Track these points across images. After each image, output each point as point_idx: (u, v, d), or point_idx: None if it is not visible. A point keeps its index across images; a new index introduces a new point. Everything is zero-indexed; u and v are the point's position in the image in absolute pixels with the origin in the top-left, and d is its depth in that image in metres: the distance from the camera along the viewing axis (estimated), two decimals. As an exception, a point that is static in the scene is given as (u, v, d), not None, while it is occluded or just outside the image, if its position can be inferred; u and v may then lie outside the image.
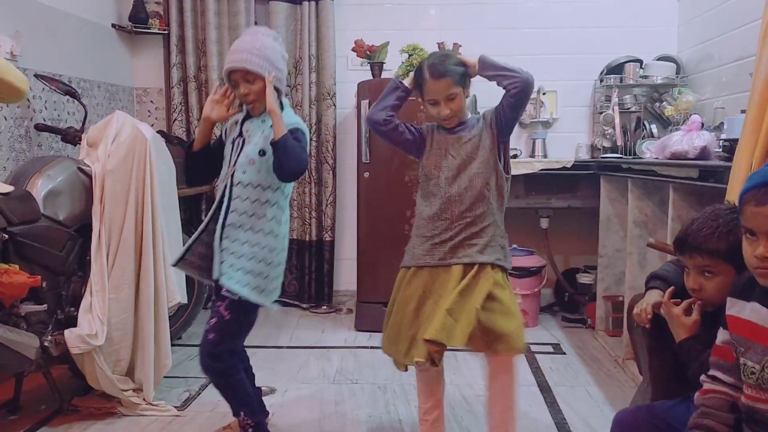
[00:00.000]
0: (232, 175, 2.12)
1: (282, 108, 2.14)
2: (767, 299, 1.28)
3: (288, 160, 2.03)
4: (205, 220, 2.18)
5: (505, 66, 2.03)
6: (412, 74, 2.14)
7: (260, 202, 2.12)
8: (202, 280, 2.28)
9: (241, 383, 2.23)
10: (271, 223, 2.14)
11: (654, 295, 1.65)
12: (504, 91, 2.05)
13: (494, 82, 2.05)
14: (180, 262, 2.20)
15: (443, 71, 2.02)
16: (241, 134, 2.17)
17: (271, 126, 2.06)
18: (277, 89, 2.12)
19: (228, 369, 2.18)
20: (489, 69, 2.05)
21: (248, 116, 2.20)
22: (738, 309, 1.35)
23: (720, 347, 1.40)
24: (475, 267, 2.03)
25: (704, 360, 1.45)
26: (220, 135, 2.29)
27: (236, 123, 2.20)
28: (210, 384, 2.90)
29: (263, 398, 2.41)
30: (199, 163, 2.24)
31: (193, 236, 2.18)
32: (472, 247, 2.05)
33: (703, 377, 1.42)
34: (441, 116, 2.07)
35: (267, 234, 2.13)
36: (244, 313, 2.16)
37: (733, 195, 1.80)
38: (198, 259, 2.18)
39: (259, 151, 2.11)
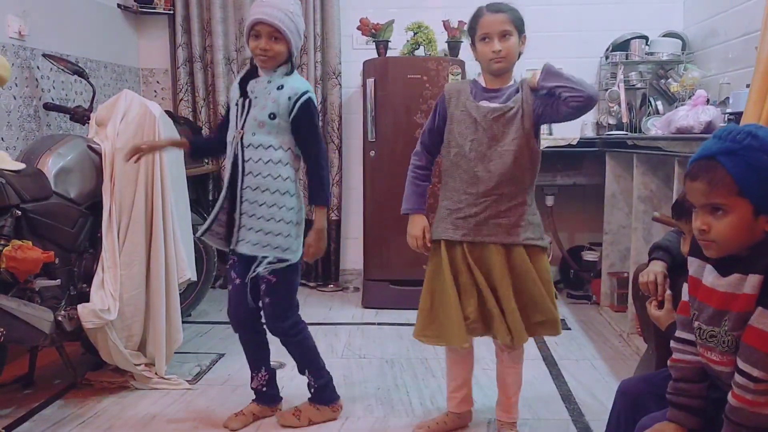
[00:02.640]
0: (242, 138, 2.14)
1: (291, 72, 2.17)
2: (721, 263, 1.29)
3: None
4: (225, 186, 2.21)
5: (570, 77, 1.93)
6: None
7: (273, 162, 2.13)
8: (225, 249, 2.28)
9: (308, 341, 2.33)
10: (286, 183, 2.15)
11: (657, 266, 1.68)
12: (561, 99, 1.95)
13: (556, 92, 1.95)
14: (206, 233, 2.23)
15: (502, 7, 1.97)
16: (245, 95, 2.16)
17: (279, 88, 2.11)
18: (291, 54, 2.15)
19: (292, 327, 2.27)
20: (552, 79, 1.94)
21: (249, 76, 2.19)
22: (695, 268, 1.37)
23: (683, 302, 1.42)
24: (513, 250, 2.02)
25: None
26: (227, 110, 2.27)
27: (240, 83, 2.18)
28: (220, 358, 2.97)
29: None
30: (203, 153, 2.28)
31: (217, 205, 2.22)
32: (498, 227, 2.01)
33: (672, 342, 1.44)
34: (492, 53, 1.95)
35: (283, 194, 2.15)
36: (286, 272, 2.20)
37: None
38: (222, 228, 2.23)
39: (269, 115, 2.11)
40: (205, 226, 2.23)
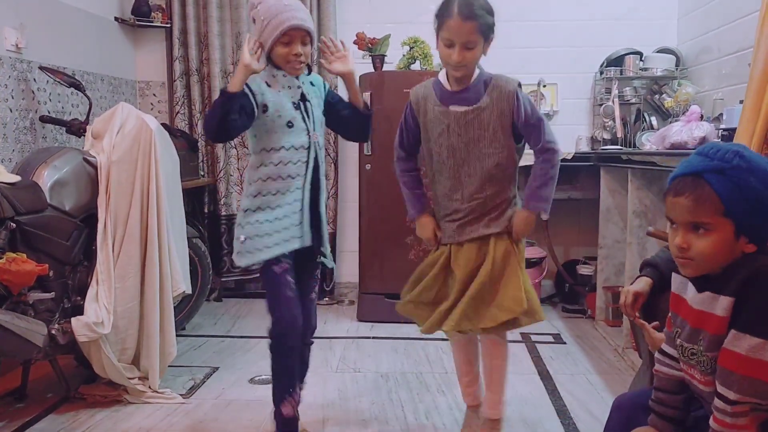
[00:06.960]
0: (314, 141, 2.13)
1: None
2: (700, 281, 1.29)
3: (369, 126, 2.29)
4: (304, 193, 2.11)
5: (550, 188, 2.15)
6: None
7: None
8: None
9: None
10: None
11: (640, 283, 1.69)
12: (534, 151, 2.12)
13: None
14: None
15: (473, 14, 1.85)
16: (305, 98, 2.13)
17: (312, 85, 2.16)
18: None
19: None
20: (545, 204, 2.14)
21: (298, 78, 2.13)
22: (678, 285, 1.37)
23: (669, 317, 1.42)
24: (487, 241, 2.06)
25: None
26: (249, 94, 2.03)
27: (288, 87, 2.09)
28: (214, 372, 2.96)
29: (267, 386, 2.44)
30: (235, 109, 1.97)
31: (294, 217, 2.12)
32: (480, 221, 2.06)
33: (656, 354, 1.45)
34: (451, 62, 1.92)
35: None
36: None
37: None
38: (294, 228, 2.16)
39: (323, 113, 2.20)
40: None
